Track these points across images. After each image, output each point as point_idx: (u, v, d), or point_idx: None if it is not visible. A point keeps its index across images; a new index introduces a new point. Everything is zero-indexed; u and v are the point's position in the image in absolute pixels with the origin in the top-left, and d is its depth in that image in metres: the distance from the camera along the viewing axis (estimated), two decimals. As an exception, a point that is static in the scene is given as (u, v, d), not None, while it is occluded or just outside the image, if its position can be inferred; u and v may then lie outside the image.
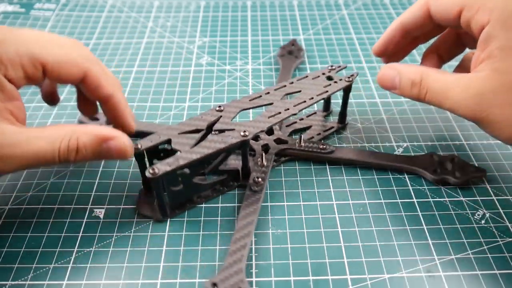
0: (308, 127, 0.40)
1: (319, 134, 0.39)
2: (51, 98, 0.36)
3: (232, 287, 0.26)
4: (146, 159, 0.32)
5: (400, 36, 0.35)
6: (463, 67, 0.36)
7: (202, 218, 0.32)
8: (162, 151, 0.32)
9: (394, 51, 0.37)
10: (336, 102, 0.43)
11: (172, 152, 0.32)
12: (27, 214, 0.33)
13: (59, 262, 0.29)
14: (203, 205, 0.33)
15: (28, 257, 0.30)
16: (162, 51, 0.52)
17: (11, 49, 0.28)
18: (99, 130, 0.29)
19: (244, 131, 0.31)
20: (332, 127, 0.40)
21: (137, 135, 0.35)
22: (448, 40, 0.35)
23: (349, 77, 0.37)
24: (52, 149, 0.28)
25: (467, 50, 0.37)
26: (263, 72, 0.49)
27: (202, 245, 0.30)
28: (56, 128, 0.29)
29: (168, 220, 0.32)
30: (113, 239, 0.31)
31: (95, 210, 0.33)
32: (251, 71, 0.49)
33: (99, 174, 0.36)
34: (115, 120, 0.33)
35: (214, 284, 0.26)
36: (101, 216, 0.33)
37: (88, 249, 0.30)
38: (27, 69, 0.28)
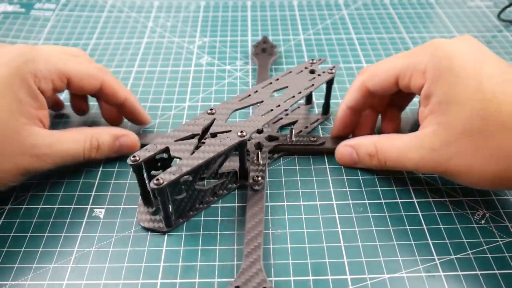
0: (295, 122, 0.41)
1: (306, 127, 0.40)
2: (56, 105, 0.42)
3: None
4: (144, 170, 0.31)
5: (352, 116, 0.36)
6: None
7: (202, 218, 0.32)
8: (159, 160, 0.31)
9: (351, 129, 0.38)
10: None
11: (169, 160, 0.31)
12: (27, 214, 0.33)
13: (59, 262, 0.29)
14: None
15: (28, 257, 0.30)
16: (162, 51, 0.52)
17: (43, 66, 0.32)
18: (113, 130, 0.36)
19: (241, 131, 0.31)
20: (318, 119, 0.41)
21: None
22: (397, 94, 0.36)
23: (331, 69, 0.38)
24: (79, 148, 0.33)
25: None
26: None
27: (202, 245, 0.30)
28: (80, 130, 0.34)
29: (168, 220, 0.32)
30: (113, 239, 0.31)
31: (95, 210, 0.33)
32: (251, 71, 0.49)
33: (99, 174, 0.36)
34: (132, 117, 0.39)
35: None
36: (101, 216, 0.33)
37: (88, 249, 0.30)
38: (55, 83, 0.33)
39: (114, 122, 0.40)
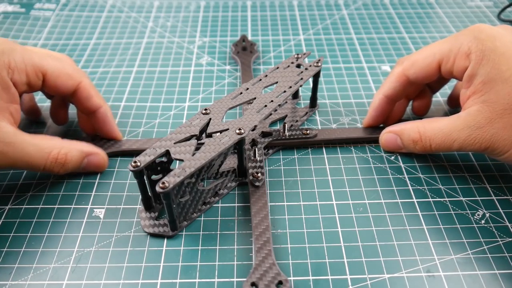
0: (284, 117, 0.41)
1: (297, 121, 0.40)
2: (33, 112, 0.40)
3: (271, 282, 0.26)
4: (145, 176, 0.30)
5: (387, 105, 0.37)
6: (455, 94, 0.41)
7: (202, 218, 0.32)
8: (158, 164, 0.31)
9: (384, 119, 0.39)
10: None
11: (169, 164, 0.31)
12: (27, 214, 0.33)
13: (59, 262, 0.29)
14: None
15: (28, 257, 0.30)
16: (162, 51, 0.52)
17: (19, 57, 0.31)
18: (84, 146, 0.34)
19: (239, 129, 0.31)
20: (306, 112, 0.42)
21: (124, 154, 0.37)
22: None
23: (317, 63, 0.39)
24: (41, 157, 0.31)
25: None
26: (263, 72, 0.49)
27: (202, 245, 0.30)
28: (48, 139, 0.32)
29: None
30: (113, 239, 0.31)
31: (95, 210, 0.33)
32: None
33: (99, 174, 0.36)
34: (103, 129, 0.37)
35: (253, 284, 0.26)
36: (101, 216, 0.33)
37: (88, 249, 0.30)
38: (30, 76, 0.32)
39: (90, 133, 0.38)
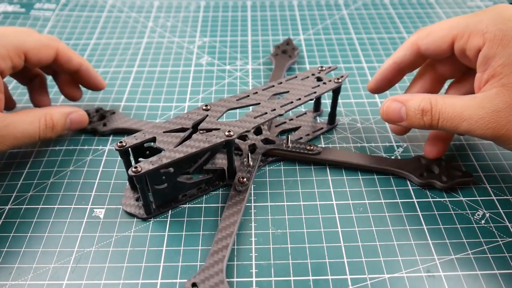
0: (297, 128, 0.40)
1: (308, 135, 0.39)
2: (8, 104, 0.40)
3: (211, 287, 0.26)
4: (131, 156, 0.32)
5: (394, 74, 0.36)
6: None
7: (202, 219, 0.32)
8: (148, 149, 0.32)
9: (387, 87, 0.38)
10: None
11: (158, 150, 0.32)
12: (27, 214, 0.33)
13: (59, 262, 0.29)
14: (203, 204, 0.33)
15: (28, 257, 0.30)
16: (162, 51, 0.52)
17: (0, 45, 0.32)
18: (64, 108, 0.37)
19: (229, 131, 0.31)
20: (322, 128, 0.40)
21: (126, 132, 0.39)
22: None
23: (338, 78, 0.37)
24: (34, 128, 0.34)
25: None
26: (263, 72, 0.49)
27: (202, 245, 0.30)
28: (32, 112, 0.35)
29: (168, 220, 0.32)
30: (113, 239, 0.31)
31: (95, 210, 0.33)
32: (251, 71, 0.49)
33: (99, 174, 0.36)
34: (89, 82, 0.40)
35: (194, 284, 0.27)
36: (101, 216, 0.33)
37: (88, 249, 0.30)
38: (13, 60, 0.33)
39: (74, 97, 0.41)
